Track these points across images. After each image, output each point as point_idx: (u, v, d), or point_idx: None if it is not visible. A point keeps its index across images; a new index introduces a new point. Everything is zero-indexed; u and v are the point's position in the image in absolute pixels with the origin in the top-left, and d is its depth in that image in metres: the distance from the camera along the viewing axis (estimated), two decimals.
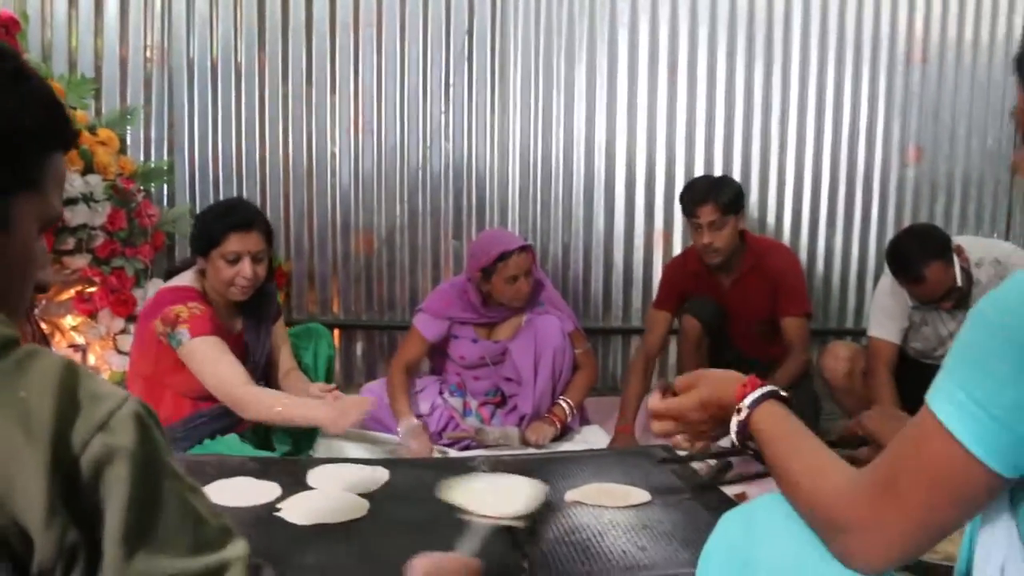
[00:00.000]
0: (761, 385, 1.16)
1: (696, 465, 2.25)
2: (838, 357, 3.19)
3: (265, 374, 2.89)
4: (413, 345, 3.35)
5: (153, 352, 2.63)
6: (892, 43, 4.22)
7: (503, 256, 3.13)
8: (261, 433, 2.77)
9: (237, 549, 0.78)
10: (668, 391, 1.30)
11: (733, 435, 1.17)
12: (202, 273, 2.68)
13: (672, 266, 3.52)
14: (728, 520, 1.15)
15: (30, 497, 0.68)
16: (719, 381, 1.23)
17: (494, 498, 1.61)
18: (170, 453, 0.76)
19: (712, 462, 2.24)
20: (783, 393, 1.16)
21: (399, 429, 3.11)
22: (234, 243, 2.58)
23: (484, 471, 2.08)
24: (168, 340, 2.56)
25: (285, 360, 2.94)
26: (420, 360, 3.43)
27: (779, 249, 3.46)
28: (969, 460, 0.83)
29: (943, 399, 0.85)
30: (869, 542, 0.91)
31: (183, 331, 2.53)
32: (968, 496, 0.86)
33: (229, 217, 2.63)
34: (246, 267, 2.59)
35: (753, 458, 1.51)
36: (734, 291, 3.29)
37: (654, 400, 1.32)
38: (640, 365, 3.35)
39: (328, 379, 3.00)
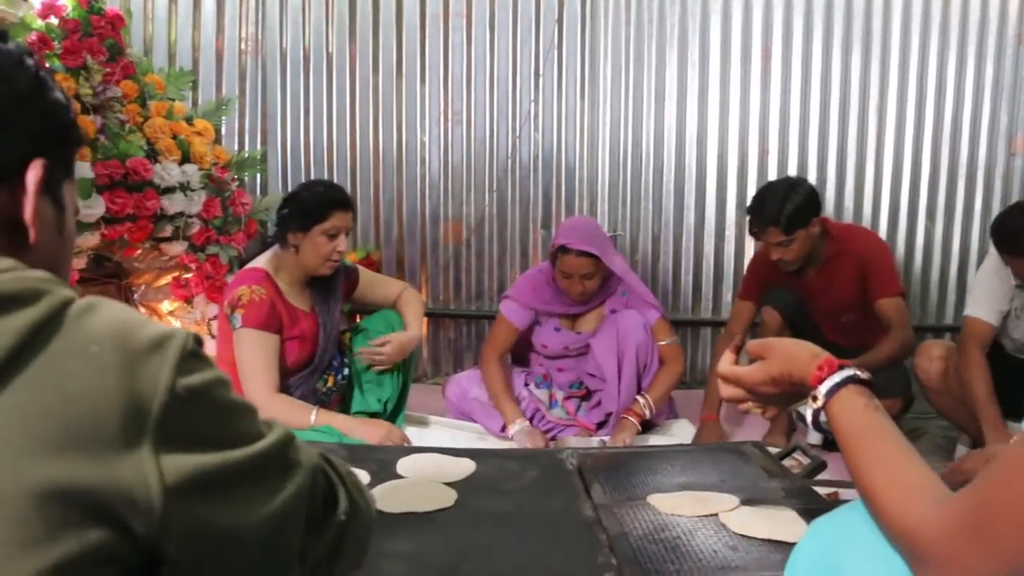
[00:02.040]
0: (838, 368, 1.09)
1: (787, 462, 2.19)
2: (932, 357, 3.07)
3: (337, 344, 2.97)
4: (503, 333, 3.29)
5: (229, 334, 2.72)
6: (1001, 25, 4.04)
7: (564, 248, 3.07)
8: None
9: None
10: (739, 352, 1.28)
11: (809, 423, 1.11)
12: (295, 249, 2.76)
13: (756, 257, 3.43)
14: (820, 525, 1.10)
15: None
16: (791, 356, 1.17)
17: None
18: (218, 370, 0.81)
19: (805, 460, 2.18)
20: (863, 376, 1.08)
21: (511, 432, 3.09)
22: (337, 219, 2.74)
23: (572, 465, 2.08)
24: (230, 321, 2.68)
25: (388, 291, 3.13)
26: (511, 347, 3.35)
27: (862, 233, 3.34)
28: None
29: None
30: None
31: (238, 316, 2.66)
32: None
33: (332, 195, 2.78)
34: (342, 242, 2.76)
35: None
36: (819, 279, 3.21)
37: (724, 364, 1.29)
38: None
39: (407, 367, 3.03)
